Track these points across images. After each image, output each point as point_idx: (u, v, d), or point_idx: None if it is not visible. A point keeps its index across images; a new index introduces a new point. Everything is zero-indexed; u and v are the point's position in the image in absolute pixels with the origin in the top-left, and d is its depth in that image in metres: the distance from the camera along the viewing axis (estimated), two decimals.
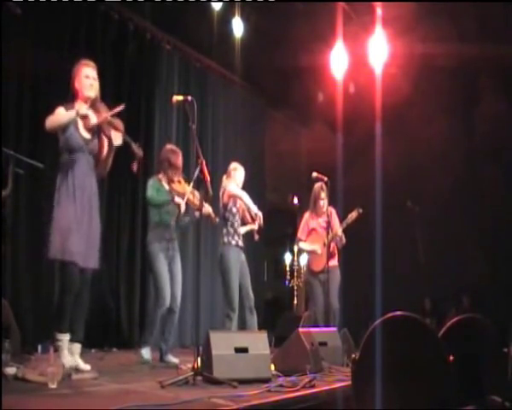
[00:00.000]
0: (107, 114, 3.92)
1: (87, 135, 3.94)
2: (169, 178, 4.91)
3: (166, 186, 4.90)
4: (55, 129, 3.88)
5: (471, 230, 7.83)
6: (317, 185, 5.92)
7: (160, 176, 4.96)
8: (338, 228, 5.87)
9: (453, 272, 7.64)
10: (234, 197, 5.24)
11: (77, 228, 3.78)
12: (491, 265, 7.71)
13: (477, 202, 7.94)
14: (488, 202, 7.86)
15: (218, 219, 4.48)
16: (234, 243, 5.16)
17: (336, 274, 5.90)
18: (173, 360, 4.79)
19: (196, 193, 4.90)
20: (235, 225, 5.21)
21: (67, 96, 4.01)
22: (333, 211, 6.00)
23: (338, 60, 7.01)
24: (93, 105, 3.98)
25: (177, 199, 4.83)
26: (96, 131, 3.97)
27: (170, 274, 4.84)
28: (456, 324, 2.80)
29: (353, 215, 5.83)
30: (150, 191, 4.85)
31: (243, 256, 5.27)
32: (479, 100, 7.94)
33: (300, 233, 6.07)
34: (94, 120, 3.93)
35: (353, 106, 7.41)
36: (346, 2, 6.94)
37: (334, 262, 5.88)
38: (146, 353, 4.70)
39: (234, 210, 5.22)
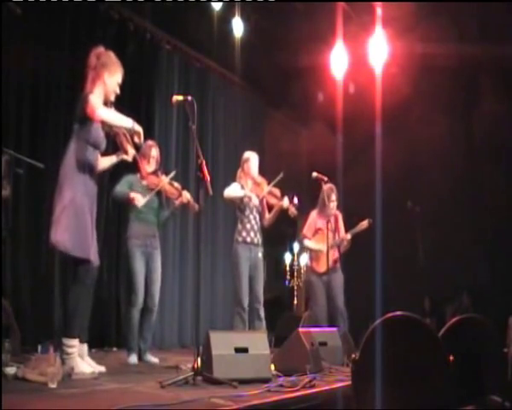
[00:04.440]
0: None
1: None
2: (144, 171, 4.89)
3: (144, 182, 4.89)
4: (108, 125, 3.75)
5: (471, 230, 7.82)
6: (328, 186, 5.85)
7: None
8: (345, 233, 5.92)
9: (453, 271, 7.64)
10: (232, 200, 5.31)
11: (91, 225, 3.72)
12: (491, 265, 7.71)
13: (477, 202, 7.94)
14: (488, 202, 7.85)
15: (197, 207, 4.21)
16: (241, 239, 5.23)
17: (340, 276, 5.94)
18: (153, 359, 4.77)
19: (176, 184, 4.90)
20: (245, 221, 5.26)
21: (77, 89, 3.87)
22: (339, 215, 6.00)
23: (338, 60, 7.01)
24: None
25: (133, 194, 4.73)
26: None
27: (147, 272, 4.81)
28: (456, 324, 2.80)
29: (363, 225, 5.85)
30: (116, 187, 4.82)
31: (255, 254, 5.26)
32: (479, 100, 7.94)
33: (306, 230, 6.04)
34: (142, 137, 3.82)
35: (353, 106, 7.40)
36: (346, 2, 6.94)
37: (337, 265, 5.93)
38: (132, 359, 4.68)
39: (242, 207, 5.28)
